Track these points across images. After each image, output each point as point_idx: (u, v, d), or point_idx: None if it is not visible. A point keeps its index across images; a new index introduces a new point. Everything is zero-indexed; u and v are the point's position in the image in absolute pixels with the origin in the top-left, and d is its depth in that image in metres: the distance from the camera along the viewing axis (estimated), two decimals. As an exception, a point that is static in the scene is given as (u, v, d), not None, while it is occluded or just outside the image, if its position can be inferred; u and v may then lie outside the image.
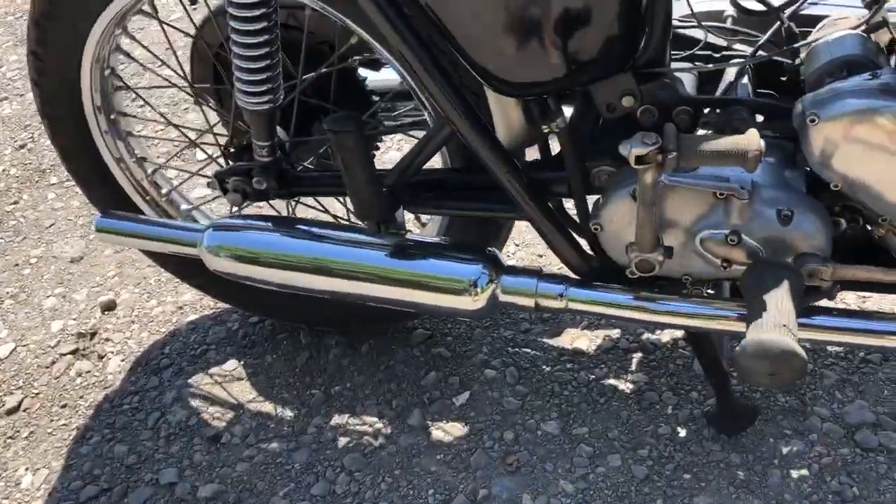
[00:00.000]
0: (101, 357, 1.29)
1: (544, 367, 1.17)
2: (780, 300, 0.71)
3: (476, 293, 0.89)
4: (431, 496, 1.04)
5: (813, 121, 0.73)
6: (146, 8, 1.01)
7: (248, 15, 0.84)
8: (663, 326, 1.07)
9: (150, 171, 1.15)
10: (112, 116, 1.09)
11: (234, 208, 1.03)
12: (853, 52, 0.77)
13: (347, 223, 1.10)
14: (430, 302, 0.91)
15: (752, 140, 0.70)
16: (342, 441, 1.12)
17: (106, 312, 1.36)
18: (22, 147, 1.74)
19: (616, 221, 0.83)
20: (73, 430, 1.19)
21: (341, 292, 0.94)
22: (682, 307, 0.85)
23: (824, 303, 0.86)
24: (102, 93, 1.06)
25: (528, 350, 1.19)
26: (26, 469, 1.15)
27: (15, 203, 1.60)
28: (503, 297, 0.90)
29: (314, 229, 0.96)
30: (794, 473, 1.00)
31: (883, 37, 0.80)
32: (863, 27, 0.80)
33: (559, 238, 0.89)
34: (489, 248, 0.94)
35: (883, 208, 0.76)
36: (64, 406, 1.22)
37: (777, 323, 0.68)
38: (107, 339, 1.31)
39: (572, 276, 0.91)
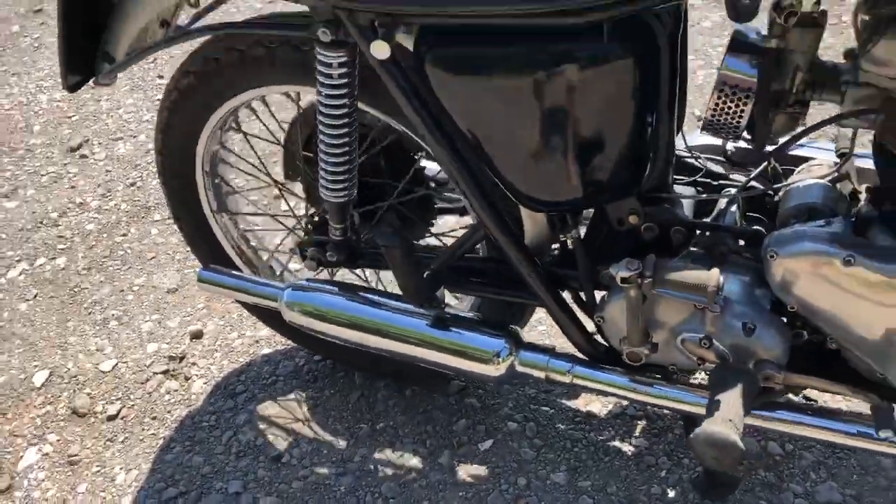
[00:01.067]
0: (186, 378, 1.52)
1: (560, 424, 1.35)
2: (733, 399, 0.89)
3: (498, 363, 1.08)
4: (452, 527, 1.23)
5: (772, 256, 0.90)
6: (233, 124, 1.26)
7: (335, 123, 1.05)
8: (649, 405, 1.24)
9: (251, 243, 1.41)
10: (224, 214, 1.35)
11: (311, 272, 1.25)
12: (816, 200, 0.94)
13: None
14: (460, 367, 1.11)
15: (711, 277, 0.88)
16: (382, 471, 1.32)
17: (194, 339, 1.59)
18: (132, 185, 2.01)
19: (614, 317, 1.01)
20: (160, 440, 1.42)
21: (388, 350, 1.15)
22: (663, 391, 1.03)
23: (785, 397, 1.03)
24: (216, 194, 1.32)
25: (548, 408, 1.38)
26: (121, 468, 1.38)
27: (124, 235, 1.87)
28: (520, 368, 1.09)
29: (370, 296, 1.17)
30: (765, 540, 1.16)
31: (846, 187, 0.97)
32: (829, 177, 0.97)
33: (570, 324, 1.07)
34: (512, 326, 1.13)
35: (830, 331, 0.93)
36: (154, 418, 1.46)
37: (725, 418, 0.86)
38: (193, 363, 1.55)
39: (580, 356, 1.10)
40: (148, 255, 1.81)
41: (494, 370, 1.09)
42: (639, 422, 1.33)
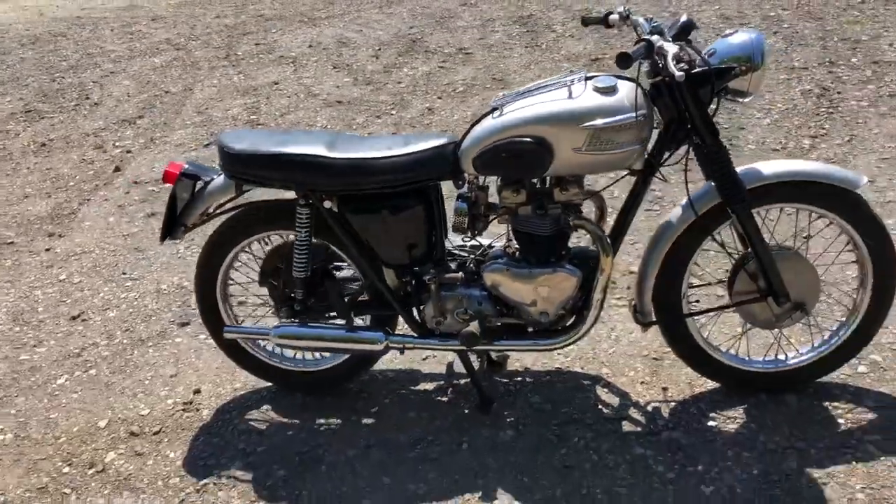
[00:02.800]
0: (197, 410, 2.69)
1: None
2: (474, 327, 2.31)
3: (379, 344, 2.44)
4: None
5: (484, 273, 2.38)
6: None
7: (304, 242, 2.43)
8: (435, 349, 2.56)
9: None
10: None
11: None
12: (498, 250, 2.44)
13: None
14: (361, 349, 2.46)
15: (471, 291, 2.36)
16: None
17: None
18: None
19: (428, 313, 2.43)
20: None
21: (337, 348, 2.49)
22: (446, 342, 2.43)
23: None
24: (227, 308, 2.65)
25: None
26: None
27: (135, 359, 3.03)
28: (390, 345, 2.45)
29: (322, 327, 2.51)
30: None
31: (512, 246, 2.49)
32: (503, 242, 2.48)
33: (411, 320, 2.46)
34: (386, 327, 2.50)
35: (511, 302, 2.39)
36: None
37: (471, 329, 2.28)
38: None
39: (412, 333, 2.47)
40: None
41: (379, 347, 2.44)
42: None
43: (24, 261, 3.88)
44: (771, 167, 2.26)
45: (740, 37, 2.17)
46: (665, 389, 2.55)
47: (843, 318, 2.43)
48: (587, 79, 2.18)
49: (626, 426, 2.43)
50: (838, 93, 4.68)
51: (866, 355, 2.56)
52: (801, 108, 4.54)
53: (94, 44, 8.45)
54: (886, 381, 2.47)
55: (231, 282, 2.65)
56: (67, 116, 6.08)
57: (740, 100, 2.23)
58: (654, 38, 2.04)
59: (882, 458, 2.20)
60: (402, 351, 2.56)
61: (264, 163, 2.33)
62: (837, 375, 2.50)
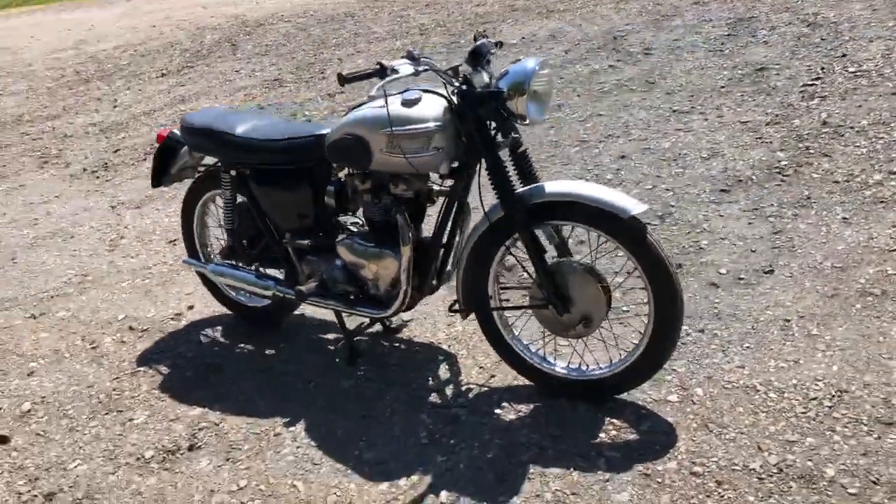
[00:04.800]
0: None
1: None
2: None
3: (268, 290, 3.06)
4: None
5: (338, 247, 2.88)
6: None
7: (229, 200, 3.13)
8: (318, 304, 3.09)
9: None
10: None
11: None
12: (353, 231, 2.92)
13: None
14: (264, 293, 3.09)
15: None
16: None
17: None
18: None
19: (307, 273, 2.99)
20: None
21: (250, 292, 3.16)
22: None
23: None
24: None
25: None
26: (142, 343, 3.39)
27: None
28: (277, 292, 3.05)
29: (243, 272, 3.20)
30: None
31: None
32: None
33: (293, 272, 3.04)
34: (280, 279, 3.11)
35: (352, 270, 2.86)
36: (161, 332, 3.47)
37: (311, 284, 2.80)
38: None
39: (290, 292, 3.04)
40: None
41: (268, 293, 3.06)
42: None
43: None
44: (555, 186, 2.44)
45: (521, 64, 2.40)
46: (493, 376, 2.83)
47: (636, 341, 2.52)
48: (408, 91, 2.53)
49: (433, 397, 2.78)
50: None
51: (691, 387, 2.59)
52: None
53: (366, 26, 9.81)
54: (683, 414, 2.50)
55: (206, 226, 3.43)
56: (297, 87, 7.35)
57: (519, 123, 2.45)
58: (399, 62, 2.36)
59: (600, 474, 2.32)
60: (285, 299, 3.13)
61: (198, 136, 3.06)
62: (647, 397, 2.58)
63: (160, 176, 3.31)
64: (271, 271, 3.19)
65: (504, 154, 2.51)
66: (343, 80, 2.24)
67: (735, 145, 4.41)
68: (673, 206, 3.85)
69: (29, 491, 2.59)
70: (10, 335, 3.65)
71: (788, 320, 2.86)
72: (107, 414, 2.96)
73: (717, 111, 4.94)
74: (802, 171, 3.98)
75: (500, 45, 2.62)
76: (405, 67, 2.34)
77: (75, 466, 2.69)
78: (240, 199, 3.13)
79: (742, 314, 2.95)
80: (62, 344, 3.50)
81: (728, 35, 6.40)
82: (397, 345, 3.13)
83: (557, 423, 2.54)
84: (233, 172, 3.06)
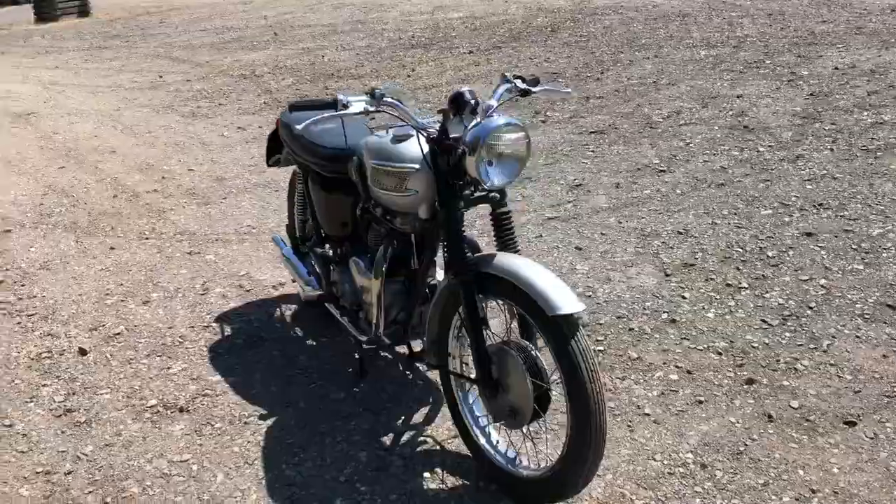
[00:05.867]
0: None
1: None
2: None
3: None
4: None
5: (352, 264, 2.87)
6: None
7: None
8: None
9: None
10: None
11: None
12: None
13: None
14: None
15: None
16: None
17: (288, 284, 3.88)
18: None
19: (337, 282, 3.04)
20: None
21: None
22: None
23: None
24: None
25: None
26: (230, 302, 3.72)
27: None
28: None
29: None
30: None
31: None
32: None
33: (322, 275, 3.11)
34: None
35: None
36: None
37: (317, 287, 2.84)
38: (280, 289, 3.83)
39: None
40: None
41: (307, 289, 3.17)
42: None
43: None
44: (504, 260, 2.19)
45: (487, 121, 2.16)
46: (456, 436, 2.65)
47: (560, 452, 2.19)
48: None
49: (385, 437, 2.69)
50: None
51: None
52: None
53: (686, 30, 9.27)
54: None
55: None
56: (563, 85, 7.25)
57: (482, 185, 2.21)
58: (356, 97, 2.24)
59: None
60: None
61: (281, 126, 3.21)
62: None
63: (270, 157, 3.56)
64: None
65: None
66: (292, 107, 2.22)
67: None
68: None
69: (60, 402, 3.04)
70: (166, 264, 4.22)
71: None
72: (159, 356, 3.33)
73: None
74: None
75: (525, 93, 2.39)
76: (358, 105, 2.23)
77: (103, 394, 3.09)
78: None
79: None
80: (187, 284, 3.97)
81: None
82: (408, 373, 3.05)
83: (462, 511, 2.32)
84: (299, 170, 3.20)
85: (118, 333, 3.53)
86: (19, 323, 3.71)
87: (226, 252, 4.32)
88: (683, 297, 3.41)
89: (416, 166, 2.33)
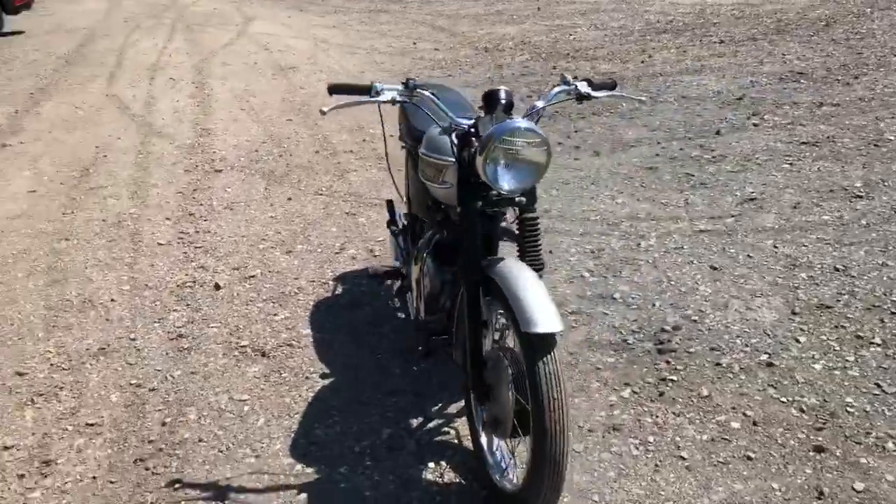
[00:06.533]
0: (396, 262, 3.97)
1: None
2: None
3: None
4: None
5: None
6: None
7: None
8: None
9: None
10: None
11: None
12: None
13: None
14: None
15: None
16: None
17: (413, 256, 4.01)
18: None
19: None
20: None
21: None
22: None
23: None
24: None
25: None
26: (353, 264, 3.93)
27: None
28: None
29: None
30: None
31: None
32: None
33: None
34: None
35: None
36: (376, 263, 3.95)
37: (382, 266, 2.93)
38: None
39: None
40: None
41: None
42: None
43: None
44: (506, 267, 2.13)
45: (502, 123, 2.10)
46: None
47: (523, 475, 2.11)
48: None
49: (415, 419, 2.74)
50: None
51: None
52: None
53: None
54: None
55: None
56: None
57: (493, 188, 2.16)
58: (390, 86, 2.24)
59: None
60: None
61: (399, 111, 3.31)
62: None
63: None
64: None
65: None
66: (330, 89, 2.30)
67: None
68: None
69: (179, 328, 3.45)
70: (324, 220, 4.55)
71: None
72: (273, 302, 3.64)
73: None
74: None
75: (583, 98, 2.30)
76: (390, 93, 2.25)
77: (213, 327, 3.45)
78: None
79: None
80: (329, 241, 4.26)
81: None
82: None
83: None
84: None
85: (253, 276, 3.90)
86: (185, 253, 4.22)
87: (377, 217, 4.54)
88: (797, 341, 3.03)
89: (452, 159, 2.32)
